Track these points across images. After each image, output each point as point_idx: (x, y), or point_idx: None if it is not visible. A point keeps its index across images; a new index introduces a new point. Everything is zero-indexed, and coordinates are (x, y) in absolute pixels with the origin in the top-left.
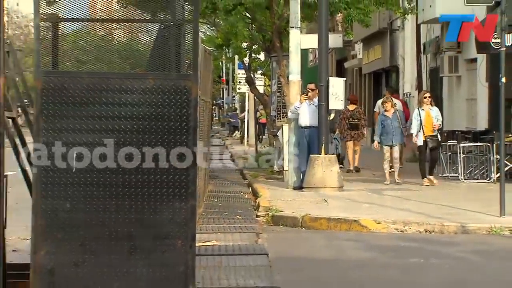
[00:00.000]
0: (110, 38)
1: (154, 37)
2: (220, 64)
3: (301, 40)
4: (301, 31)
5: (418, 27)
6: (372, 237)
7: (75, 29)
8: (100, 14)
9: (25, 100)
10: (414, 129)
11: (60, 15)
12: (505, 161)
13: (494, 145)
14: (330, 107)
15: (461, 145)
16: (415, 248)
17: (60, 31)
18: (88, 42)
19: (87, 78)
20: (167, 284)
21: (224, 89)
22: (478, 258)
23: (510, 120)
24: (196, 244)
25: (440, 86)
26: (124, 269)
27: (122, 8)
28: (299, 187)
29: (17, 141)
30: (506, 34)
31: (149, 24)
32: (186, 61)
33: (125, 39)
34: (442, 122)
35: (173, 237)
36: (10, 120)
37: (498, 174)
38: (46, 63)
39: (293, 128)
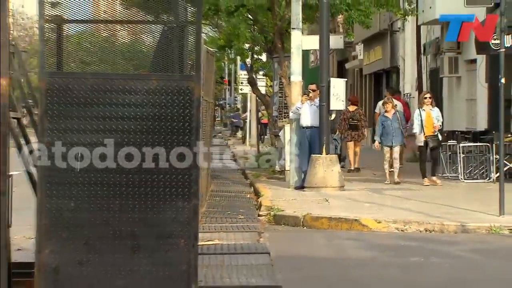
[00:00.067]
0: (113, 40)
1: (158, 39)
2: (223, 65)
3: (302, 41)
4: (302, 32)
5: (418, 28)
6: (372, 236)
7: (79, 30)
8: (104, 15)
9: (30, 101)
10: (416, 129)
11: (64, 16)
12: (504, 161)
13: (494, 145)
14: (331, 108)
15: (461, 145)
16: (415, 247)
17: (64, 32)
18: (92, 43)
19: (91, 79)
20: (170, 283)
21: (227, 90)
22: (478, 257)
23: (510, 121)
24: (199, 243)
25: (440, 87)
26: (128, 268)
27: (125, 10)
28: (301, 186)
29: (22, 141)
30: (505, 35)
31: (153, 25)
32: (189, 62)
33: (128, 40)
34: (442, 122)
35: (176, 236)
36: (15, 120)
37: (498, 174)
38: (50, 64)
39: (294, 128)
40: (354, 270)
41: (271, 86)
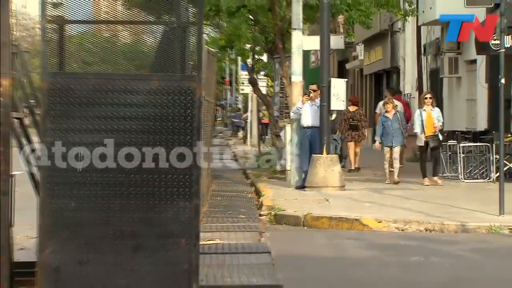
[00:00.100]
0: (115, 40)
1: (159, 39)
2: (224, 65)
3: (303, 42)
4: (303, 33)
5: (418, 28)
6: (373, 235)
7: (80, 31)
8: (105, 16)
9: (32, 101)
10: (417, 129)
11: (66, 17)
12: (504, 161)
13: (494, 145)
14: (332, 108)
15: (461, 145)
16: (416, 246)
17: (66, 33)
18: (93, 43)
19: (93, 79)
20: (171, 282)
21: (228, 90)
22: (478, 257)
23: (510, 121)
24: (200, 243)
25: (440, 87)
26: (129, 267)
27: (127, 10)
28: (301, 186)
29: (24, 141)
30: (505, 36)
31: (154, 26)
32: (191, 62)
33: (130, 40)
34: (443, 122)
35: (177, 236)
36: (17, 120)
37: (498, 174)
38: (52, 65)
39: (295, 128)
40: (354, 270)
41: (272, 86)
